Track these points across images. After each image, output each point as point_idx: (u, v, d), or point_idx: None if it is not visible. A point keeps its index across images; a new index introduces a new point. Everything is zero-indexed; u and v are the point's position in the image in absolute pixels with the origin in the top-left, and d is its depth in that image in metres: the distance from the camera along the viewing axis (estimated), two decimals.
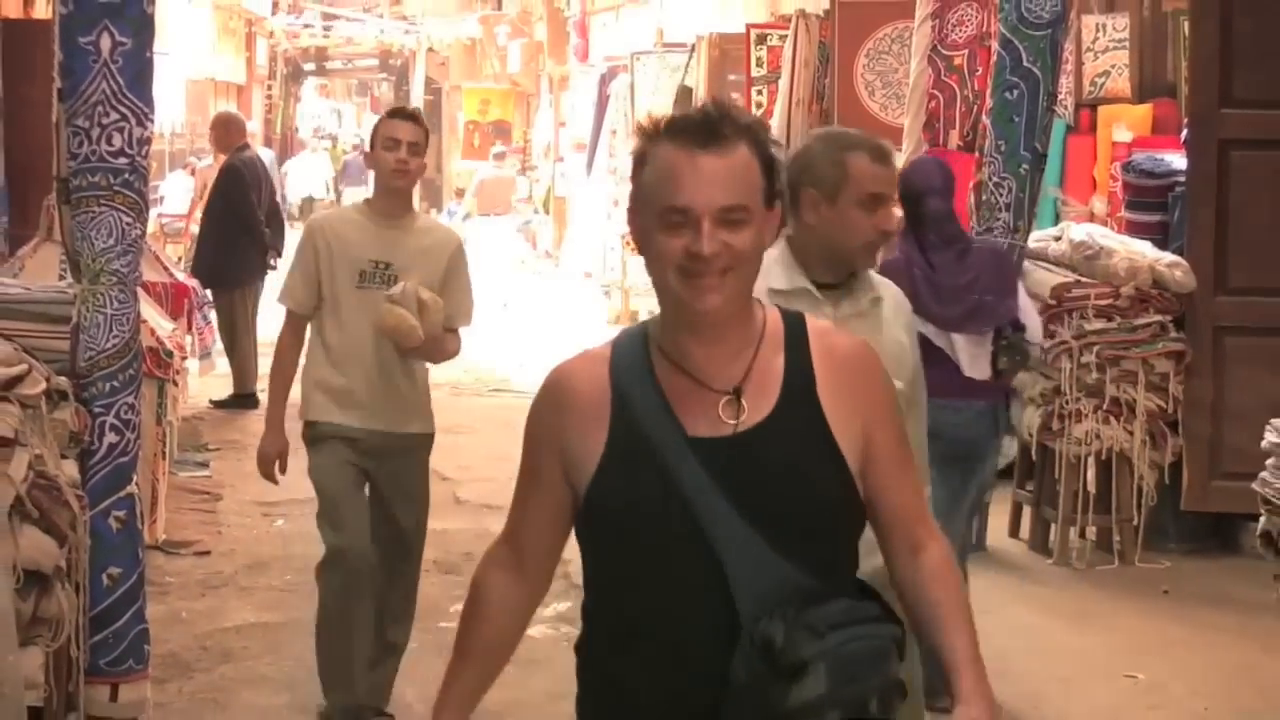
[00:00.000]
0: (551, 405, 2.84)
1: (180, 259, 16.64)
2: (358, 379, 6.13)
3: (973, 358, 6.58)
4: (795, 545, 2.71)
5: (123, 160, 5.01)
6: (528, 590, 2.95)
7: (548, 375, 2.88)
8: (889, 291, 4.48)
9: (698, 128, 2.69)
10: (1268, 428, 5.99)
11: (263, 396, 13.28)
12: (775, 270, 4.26)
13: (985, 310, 6.57)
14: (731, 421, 2.74)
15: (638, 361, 2.80)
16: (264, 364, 13.65)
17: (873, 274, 4.49)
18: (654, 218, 2.71)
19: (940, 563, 2.90)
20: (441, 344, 6.21)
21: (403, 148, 6.10)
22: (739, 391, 2.75)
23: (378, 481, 6.30)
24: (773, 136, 2.81)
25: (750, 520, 2.69)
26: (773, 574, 2.68)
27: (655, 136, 2.73)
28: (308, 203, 32.07)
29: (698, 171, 2.67)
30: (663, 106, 17.49)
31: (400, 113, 6.39)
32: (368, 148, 6.38)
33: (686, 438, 2.73)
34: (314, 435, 6.21)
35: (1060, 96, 9.74)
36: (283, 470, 6.37)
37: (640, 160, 2.76)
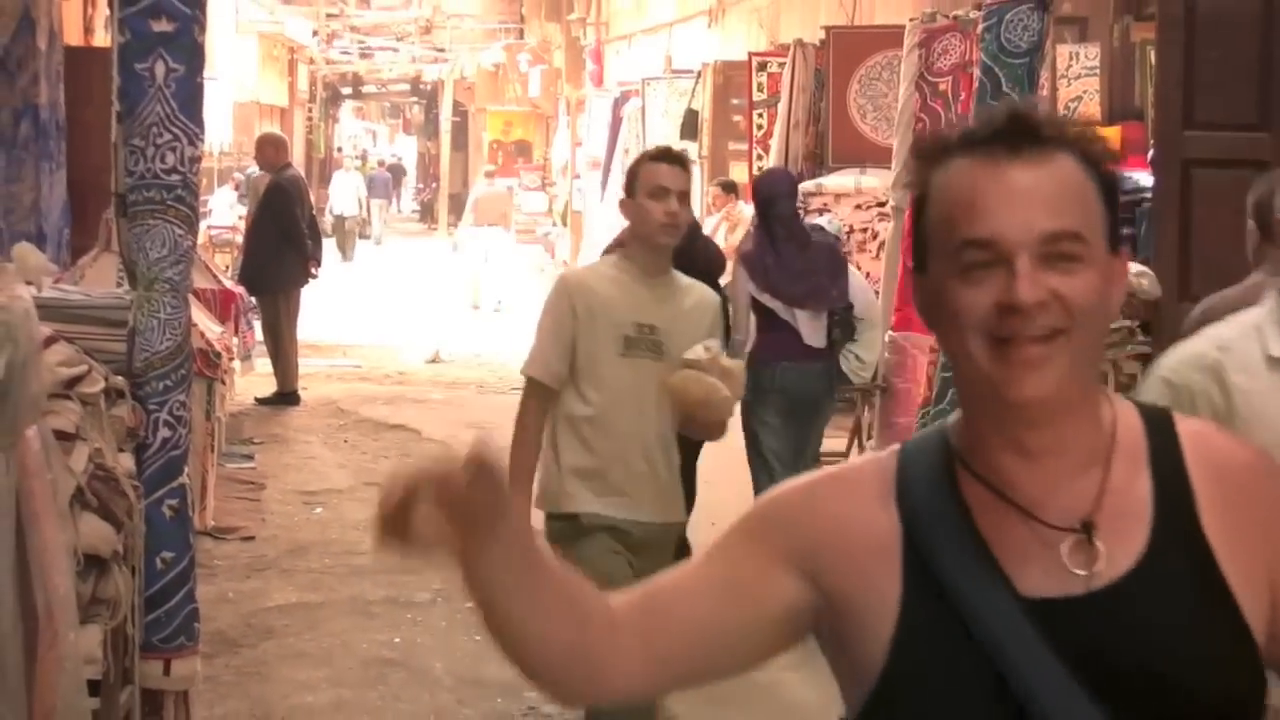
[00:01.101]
0: (794, 520, 1.82)
1: (228, 267, 16.65)
2: (619, 461, 4.84)
3: (812, 329, 7.57)
4: None
5: (175, 177, 5.00)
6: (592, 639, 1.81)
7: (793, 483, 1.87)
8: None
9: (1003, 130, 1.75)
10: None
11: (304, 394, 13.41)
12: (1269, 330, 2.93)
13: (821, 292, 7.55)
14: (1082, 573, 1.73)
15: (937, 483, 1.79)
16: (304, 365, 13.77)
17: None
18: (946, 264, 1.74)
19: None
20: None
21: (672, 197, 4.83)
22: (1090, 528, 1.74)
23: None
24: (1109, 152, 1.80)
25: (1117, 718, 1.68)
26: None
27: (941, 155, 1.78)
28: (339, 220, 31.93)
29: (1007, 187, 1.71)
30: (671, 128, 17.51)
31: (665, 155, 5.05)
32: (623, 194, 5.01)
33: (1018, 598, 1.71)
34: (572, 531, 4.82)
35: None
36: None
37: (922, 195, 1.79)
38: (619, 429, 4.81)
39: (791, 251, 7.51)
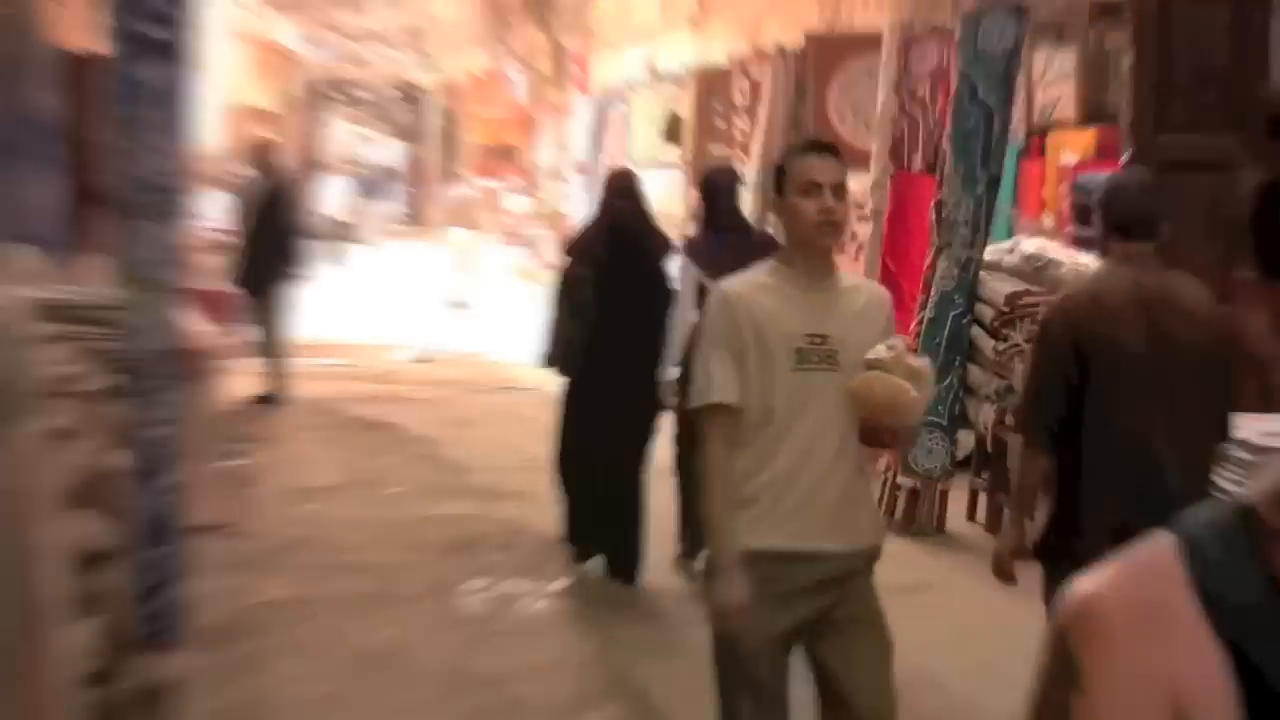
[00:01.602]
0: (1148, 639, 1.34)
1: (219, 268, 16.62)
2: (804, 485, 4.21)
3: None
4: None
5: (167, 179, 5.00)
6: None
7: (1086, 600, 1.38)
8: None
9: None
10: None
11: (294, 393, 13.39)
12: None
13: None
14: None
15: (1259, 585, 1.32)
16: (294, 364, 13.75)
17: None
18: None
19: None
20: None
21: (826, 192, 4.20)
22: None
23: (824, 636, 4.30)
24: None
25: None
26: None
27: None
28: (328, 223, 31.86)
29: None
30: (655, 134, 17.53)
31: (815, 147, 4.34)
32: (774, 191, 4.36)
33: None
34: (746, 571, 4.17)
35: (1012, 124, 9.74)
36: (745, 619, 4.15)
37: None
38: (797, 448, 4.20)
39: (734, 240, 7.61)
